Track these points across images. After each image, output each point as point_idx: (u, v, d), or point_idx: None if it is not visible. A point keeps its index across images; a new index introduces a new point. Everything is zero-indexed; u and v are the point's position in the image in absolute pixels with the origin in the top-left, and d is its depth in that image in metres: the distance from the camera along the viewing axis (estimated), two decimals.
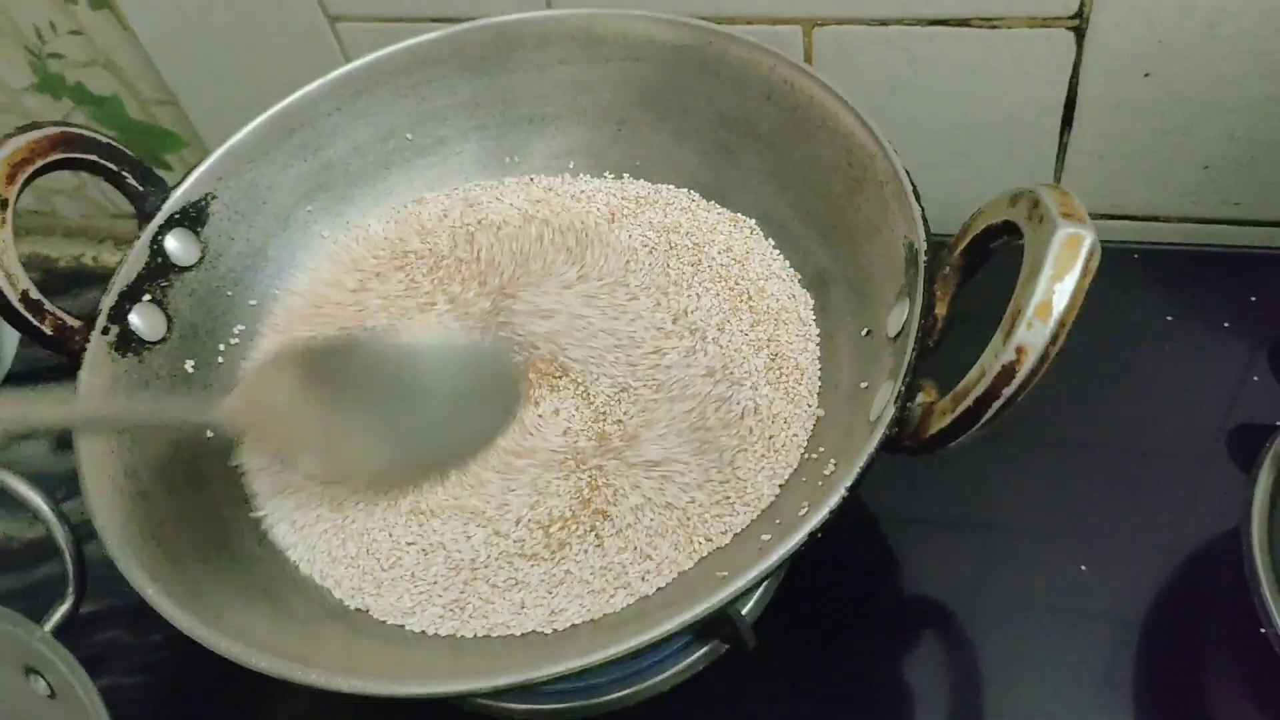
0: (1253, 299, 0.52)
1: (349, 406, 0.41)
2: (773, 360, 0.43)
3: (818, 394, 0.41)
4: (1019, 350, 0.29)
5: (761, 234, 0.47)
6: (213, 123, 0.67)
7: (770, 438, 0.40)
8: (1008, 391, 0.30)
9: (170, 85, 0.65)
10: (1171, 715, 0.41)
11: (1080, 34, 0.49)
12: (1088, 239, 0.29)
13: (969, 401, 0.31)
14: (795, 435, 0.40)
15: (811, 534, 0.32)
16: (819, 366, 0.42)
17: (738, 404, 0.41)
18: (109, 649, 0.51)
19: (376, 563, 0.40)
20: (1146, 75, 0.50)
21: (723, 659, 0.44)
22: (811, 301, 0.44)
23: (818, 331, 0.43)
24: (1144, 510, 0.46)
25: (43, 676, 0.44)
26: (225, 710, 0.48)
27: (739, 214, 0.48)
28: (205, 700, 0.49)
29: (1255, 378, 0.49)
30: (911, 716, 0.43)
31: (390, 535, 0.41)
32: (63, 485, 0.54)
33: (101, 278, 0.42)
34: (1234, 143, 0.51)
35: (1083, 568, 0.44)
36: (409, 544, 0.41)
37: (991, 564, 0.45)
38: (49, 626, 0.45)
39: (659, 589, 0.38)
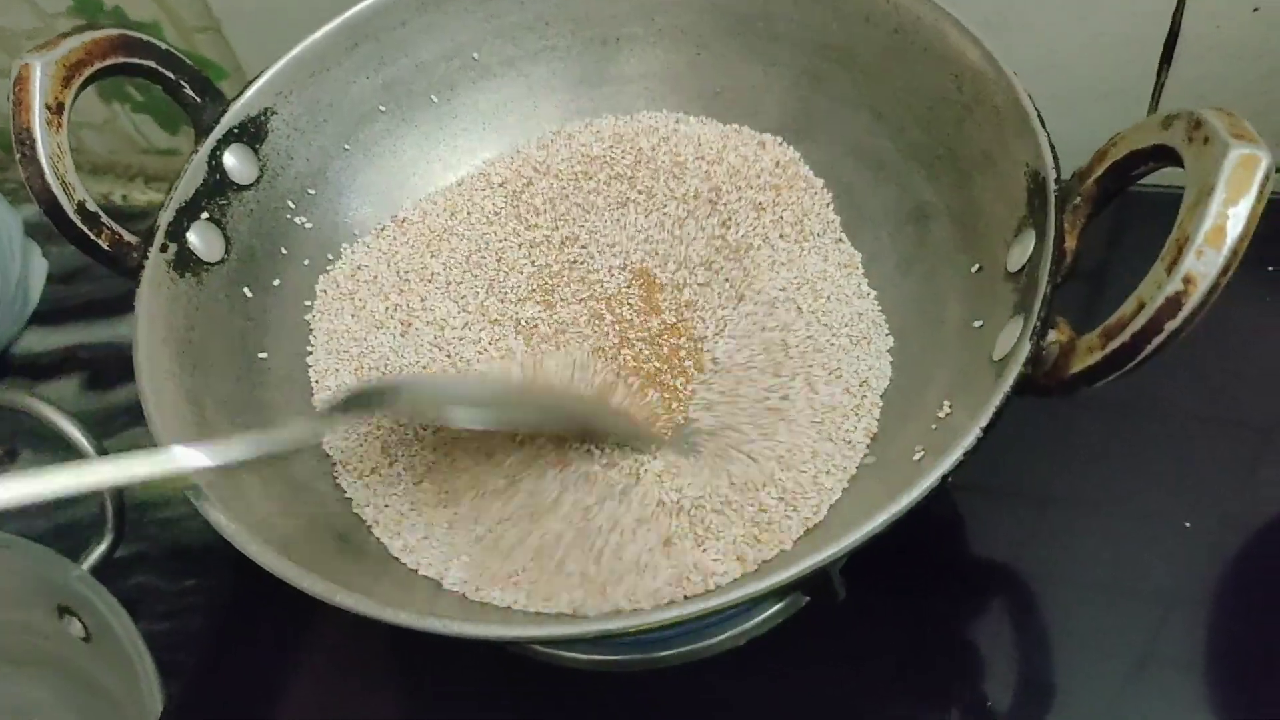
0: None
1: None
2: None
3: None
4: (1187, 280, 0.27)
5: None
6: (256, 53, 0.64)
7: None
8: (1172, 325, 0.27)
9: (215, 11, 0.62)
10: (1255, 693, 0.39)
11: None
12: (1264, 159, 0.27)
13: (1125, 337, 0.28)
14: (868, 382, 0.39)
15: (944, 478, 0.29)
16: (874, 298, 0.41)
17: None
18: (139, 594, 0.50)
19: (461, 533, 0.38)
20: (1255, 10, 0.47)
21: (799, 614, 0.42)
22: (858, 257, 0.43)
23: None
24: (1233, 475, 0.44)
25: (78, 617, 0.42)
26: (257, 656, 0.46)
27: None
28: (237, 647, 0.47)
29: None
30: (983, 685, 0.41)
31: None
32: (97, 424, 0.52)
33: (131, 216, 0.40)
34: None
35: (1187, 524, 0.42)
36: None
37: (1073, 535, 0.43)
38: (86, 565, 0.43)
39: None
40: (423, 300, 0.44)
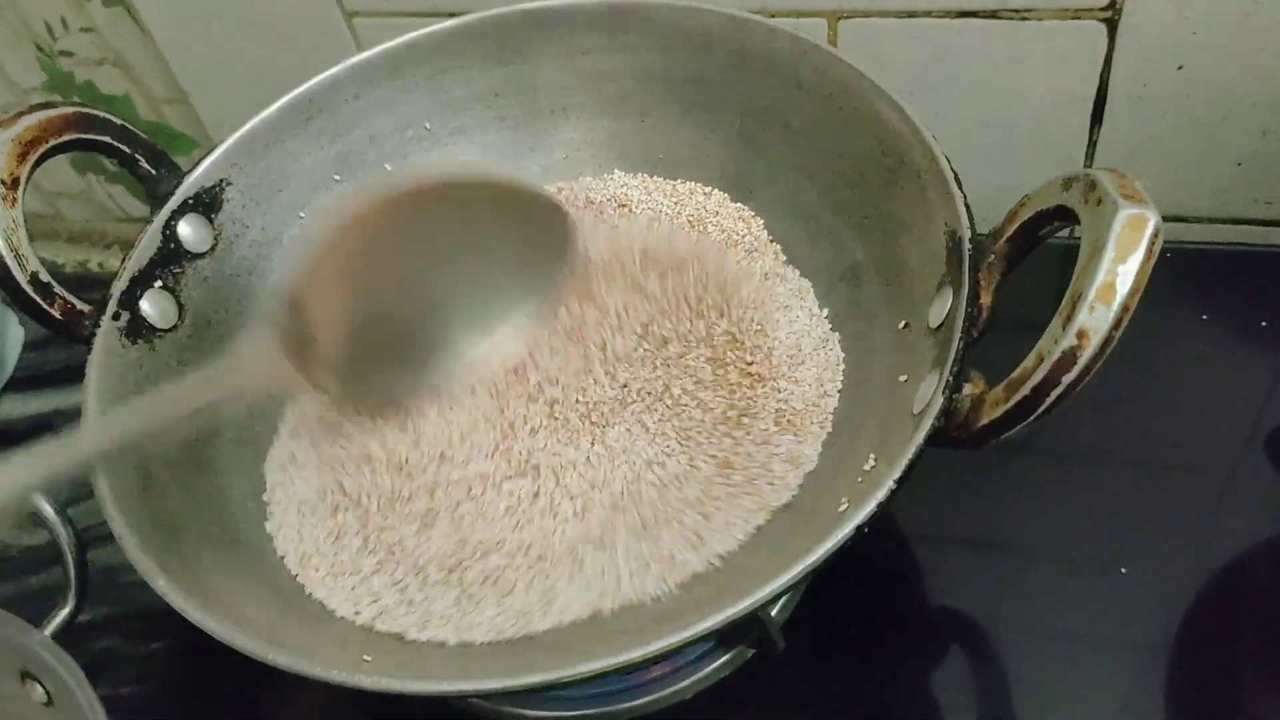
0: None
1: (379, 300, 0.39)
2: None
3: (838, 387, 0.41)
4: (1080, 335, 0.28)
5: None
6: (224, 123, 0.66)
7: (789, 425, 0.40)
8: (1068, 379, 0.28)
9: (182, 84, 0.64)
10: None
11: (1112, 25, 0.48)
12: (1151, 220, 0.28)
13: (1025, 390, 0.29)
14: (814, 425, 0.40)
15: (859, 529, 0.30)
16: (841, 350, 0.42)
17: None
18: (106, 657, 0.50)
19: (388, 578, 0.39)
20: (1180, 68, 0.49)
21: (746, 666, 0.43)
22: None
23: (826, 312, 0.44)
24: (1179, 520, 0.44)
25: (40, 682, 0.42)
26: None
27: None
28: (202, 711, 0.48)
29: None
30: None
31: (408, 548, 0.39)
32: (66, 488, 0.53)
33: (107, 284, 0.41)
34: (1267, 139, 0.50)
35: (1123, 570, 0.43)
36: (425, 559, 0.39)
37: (1021, 579, 0.44)
38: (49, 631, 0.43)
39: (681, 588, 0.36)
40: None
